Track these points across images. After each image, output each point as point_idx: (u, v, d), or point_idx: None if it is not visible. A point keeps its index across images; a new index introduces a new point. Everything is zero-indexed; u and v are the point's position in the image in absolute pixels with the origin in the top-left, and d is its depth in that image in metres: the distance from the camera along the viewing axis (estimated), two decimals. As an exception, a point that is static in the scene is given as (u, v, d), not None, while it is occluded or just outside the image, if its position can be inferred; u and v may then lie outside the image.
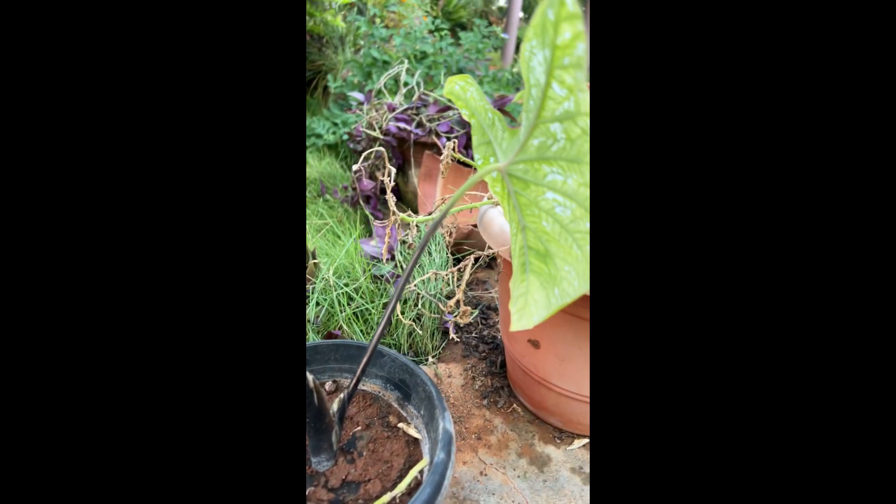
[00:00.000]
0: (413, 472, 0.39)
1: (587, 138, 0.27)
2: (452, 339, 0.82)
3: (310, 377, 0.36)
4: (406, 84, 1.35)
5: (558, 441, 0.64)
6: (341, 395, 0.41)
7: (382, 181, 1.24)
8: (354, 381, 0.40)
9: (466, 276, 0.47)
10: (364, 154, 0.45)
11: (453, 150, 0.63)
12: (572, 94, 0.26)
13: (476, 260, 1.02)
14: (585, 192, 0.29)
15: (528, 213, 0.34)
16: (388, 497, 0.37)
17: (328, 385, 0.50)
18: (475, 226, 1.00)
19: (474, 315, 0.88)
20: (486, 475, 0.58)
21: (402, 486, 0.38)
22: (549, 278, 0.35)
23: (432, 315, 0.78)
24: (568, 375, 0.58)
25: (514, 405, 0.69)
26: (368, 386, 0.51)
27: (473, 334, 0.85)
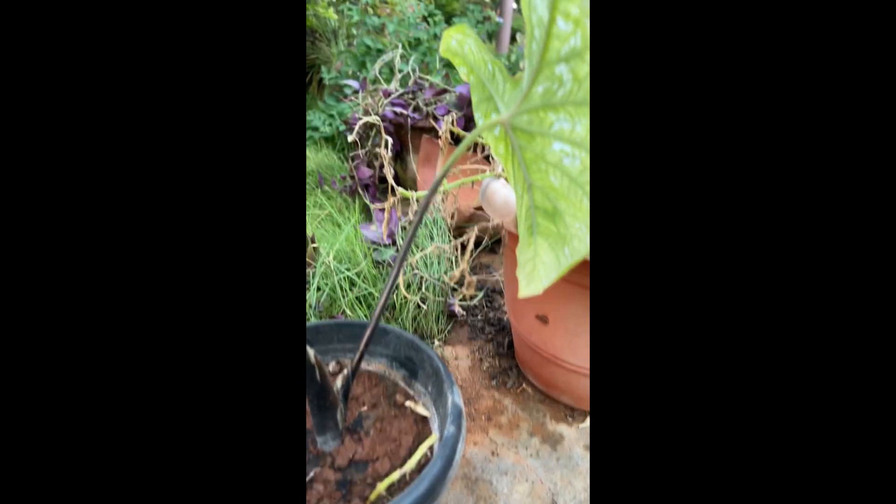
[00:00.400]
0: (423, 448, 0.37)
1: (596, 76, 0.25)
2: (459, 319, 0.81)
3: (311, 352, 0.35)
4: (401, 70, 1.32)
5: (570, 419, 0.63)
6: (344, 372, 0.39)
7: (381, 167, 1.23)
8: (358, 357, 0.38)
9: (470, 246, 0.46)
10: (357, 127, 0.43)
11: (452, 124, 0.61)
12: (578, 28, 0.24)
13: (479, 243, 1.00)
14: None
15: (535, 168, 0.33)
16: (397, 474, 0.35)
17: (332, 366, 0.49)
18: (478, 208, 0.98)
19: (479, 297, 0.87)
20: (497, 455, 0.56)
21: (412, 463, 0.36)
22: (559, 238, 0.33)
23: (437, 299, 0.77)
24: (578, 350, 0.56)
25: (524, 385, 0.68)
26: (374, 366, 0.49)
27: (479, 317, 0.83)
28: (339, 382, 0.38)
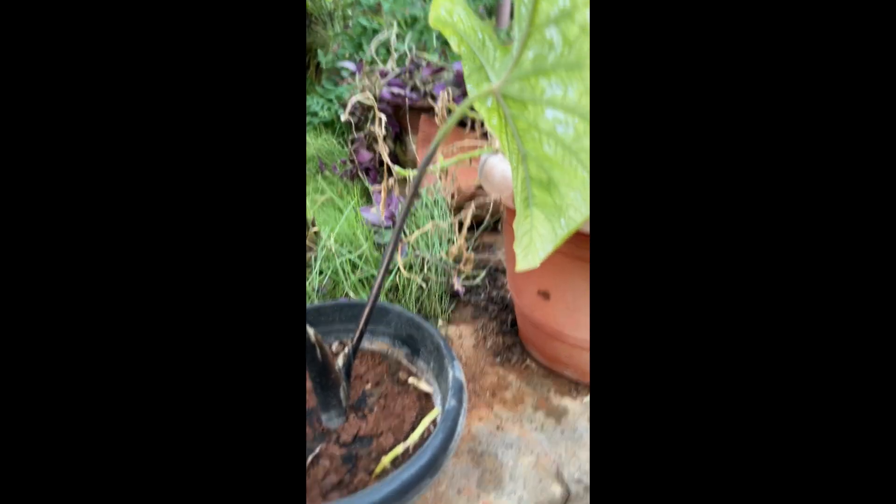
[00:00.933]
0: (425, 422, 0.38)
1: (587, 37, 0.24)
2: (462, 298, 0.81)
3: (311, 331, 0.35)
4: (397, 50, 1.30)
5: (574, 393, 0.63)
6: (346, 350, 0.40)
7: (380, 152, 1.22)
8: (358, 335, 0.39)
9: (467, 222, 0.45)
10: (349, 105, 0.43)
11: (449, 101, 0.60)
12: (568, -14, 0.23)
13: (481, 223, 1.00)
14: (587, 102, 0.26)
15: (528, 138, 0.32)
16: (401, 448, 0.36)
17: (335, 346, 0.49)
18: (479, 187, 0.97)
19: (482, 277, 0.87)
20: (502, 429, 0.57)
21: (415, 436, 0.37)
22: (554, 209, 0.32)
23: (439, 279, 0.77)
24: (580, 325, 0.56)
25: (528, 361, 0.68)
26: (376, 345, 0.49)
27: (482, 296, 0.83)
28: (340, 361, 0.39)
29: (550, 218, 0.33)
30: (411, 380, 0.45)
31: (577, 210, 0.30)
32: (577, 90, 0.27)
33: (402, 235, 0.75)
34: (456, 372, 0.37)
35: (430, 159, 0.37)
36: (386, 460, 0.35)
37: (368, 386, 0.45)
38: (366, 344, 0.50)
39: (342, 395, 0.39)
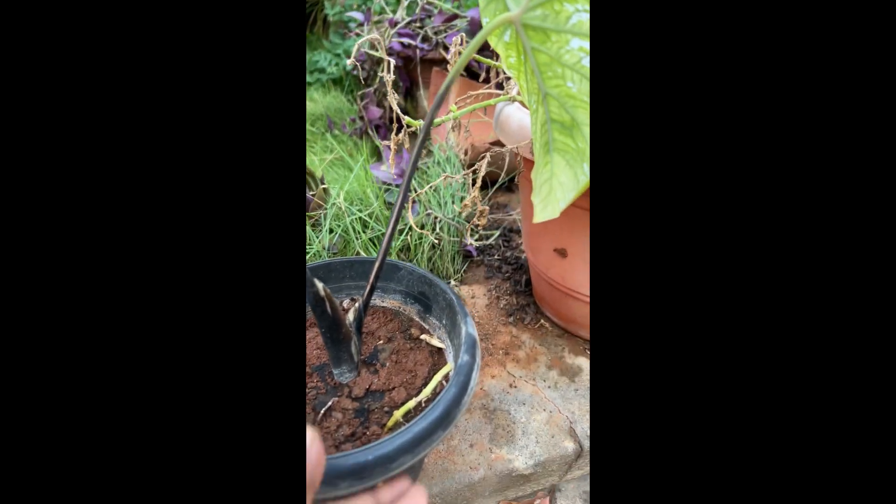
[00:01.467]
0: (438, 377, 0.37)
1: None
2: (475, 259, 0.79)
3: (320, 286, 0.34)
4: (408, -3, 1.22)
5: (589, 352, 0.62)
6: (356, 305, 0.39)
7: (388, 105, 1.17)
8: (368, 289, 0.37)
9: (482, 173, 0.43)
10: (354, 52, 0.40)
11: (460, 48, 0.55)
12: None
13: (495, 181, 0.96)
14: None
15: (550, 74, 0.29)
16: (413, 402, 0.36)
17: (346, 302, 0.49)
18: (493, 143, 0.93)
19: (495, 237, 0.85)
20: (515, 387, 0.57)
21: (428, 391, 0.36)
22: (576, 154, 0.30)
23: (451, 239, 0.75)
24: (598, 283, 0.54)
25: (542, 321, 0.67)
26: (388, 302, 0.49)
27: (496, 256, 0.82)
28: (351, 315, 0.38)
29: (572, 163, 0.30)
30: (423, 336, 0.44)
31: (602, 153, 0.27)
32: (608, 12, 0.24)
33: (412, 192, 0.73)
34: (469, 328, 0.36)
35: (439, 105, 0.35)
36: (398, 414, 0.34)
37: (381, 342, 0.44)
38: (377, 301, 0.49)
39: (353, 350, 0.38)
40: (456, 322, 0.39)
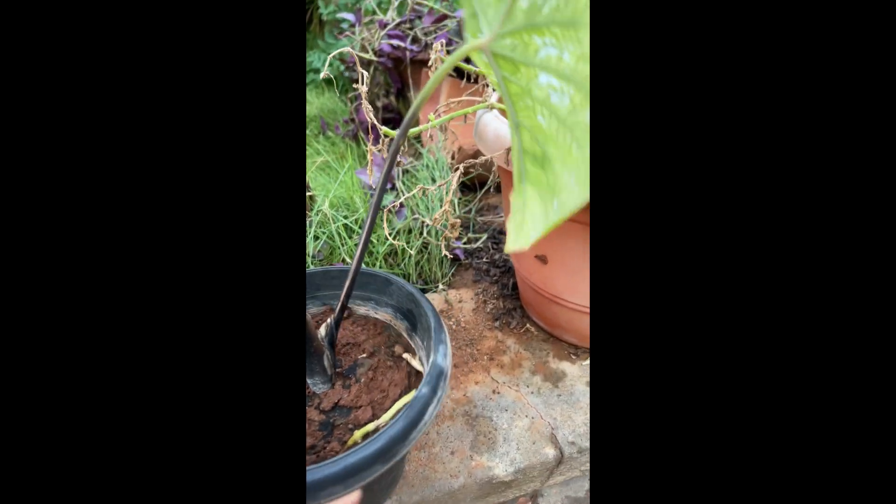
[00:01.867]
0: (399, 404, 0.37)
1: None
2: (463, 262, 0.79)
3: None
4: (398, -3, 1.21)
5: (574, 357, 0.62)
6: (328, 321, 0.39)
7: (384, 108, 1.17)
8: (340, 305, 0.38)
9: (454, 185, 0.43)
10: (330, 57, 0.40)
11: (444, 53, 0.55)
12: None
13: (484, 184, 0.96)
14: (585, 70, 0.22)
15: (521, 105, 0.28)
16: (372, 425, 0.36)
17: (323, 310, 0.49)
18: (481, 146, 0.93)
19: (483, 239, 0.85)
20: (498, 393, 0.57)
21: (387, 417, 0.36)
22: (548, 188, 0.29)
23: (438, 243, 0.75)
24: (579, 289, 0.54)
25: (528, 325, 0.67)
26: (381, 314, 0.49)
27: (484, 259, 0.82)
28: (322, 331, 0.38)
29: (543, 198, 0.30)
30: (406, 355, 0.44)
31: (570, 194, 0.27)
32: (572, 54, 0.23)
33: (400, 196, 0.73)
34: (439, 357, 0.36)
35: (411, 119, 0.35)
36: (357, 434, 0.35)
37: (364, 355, 0.44)
38: (371, 312, 0.49)
39: (326, 363, 0.38)
40: (430, 349, 0.38)
